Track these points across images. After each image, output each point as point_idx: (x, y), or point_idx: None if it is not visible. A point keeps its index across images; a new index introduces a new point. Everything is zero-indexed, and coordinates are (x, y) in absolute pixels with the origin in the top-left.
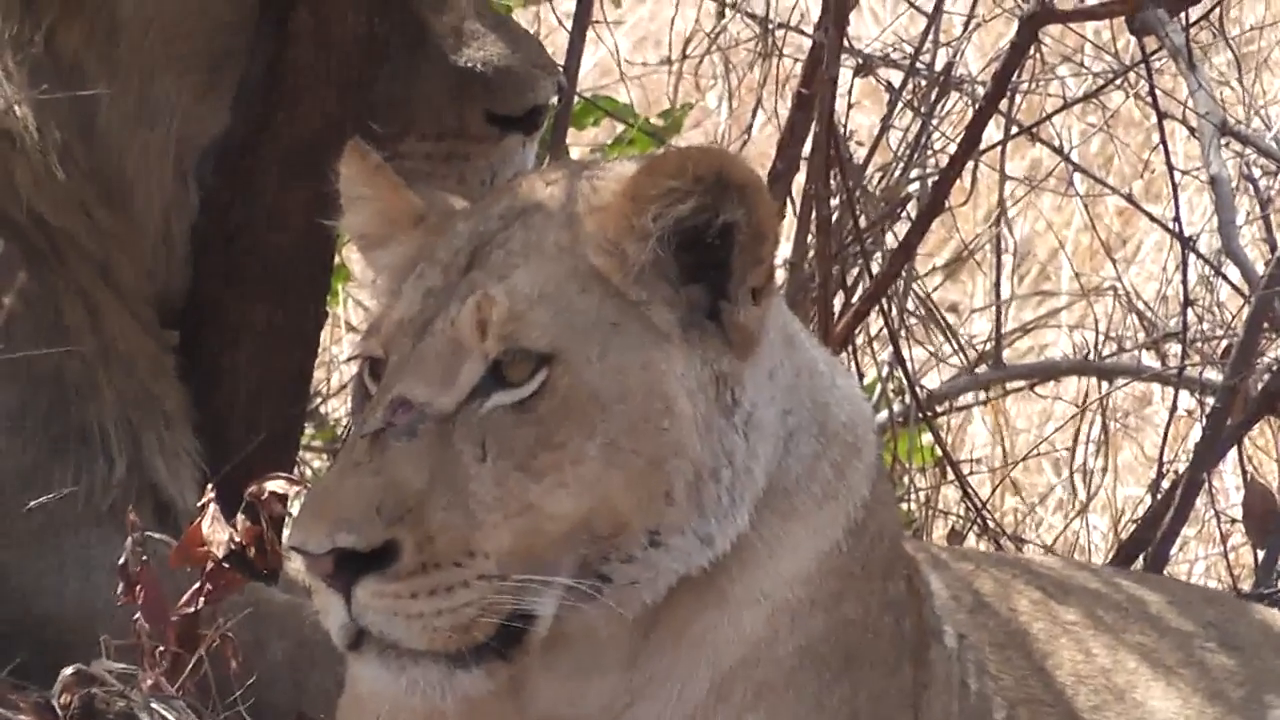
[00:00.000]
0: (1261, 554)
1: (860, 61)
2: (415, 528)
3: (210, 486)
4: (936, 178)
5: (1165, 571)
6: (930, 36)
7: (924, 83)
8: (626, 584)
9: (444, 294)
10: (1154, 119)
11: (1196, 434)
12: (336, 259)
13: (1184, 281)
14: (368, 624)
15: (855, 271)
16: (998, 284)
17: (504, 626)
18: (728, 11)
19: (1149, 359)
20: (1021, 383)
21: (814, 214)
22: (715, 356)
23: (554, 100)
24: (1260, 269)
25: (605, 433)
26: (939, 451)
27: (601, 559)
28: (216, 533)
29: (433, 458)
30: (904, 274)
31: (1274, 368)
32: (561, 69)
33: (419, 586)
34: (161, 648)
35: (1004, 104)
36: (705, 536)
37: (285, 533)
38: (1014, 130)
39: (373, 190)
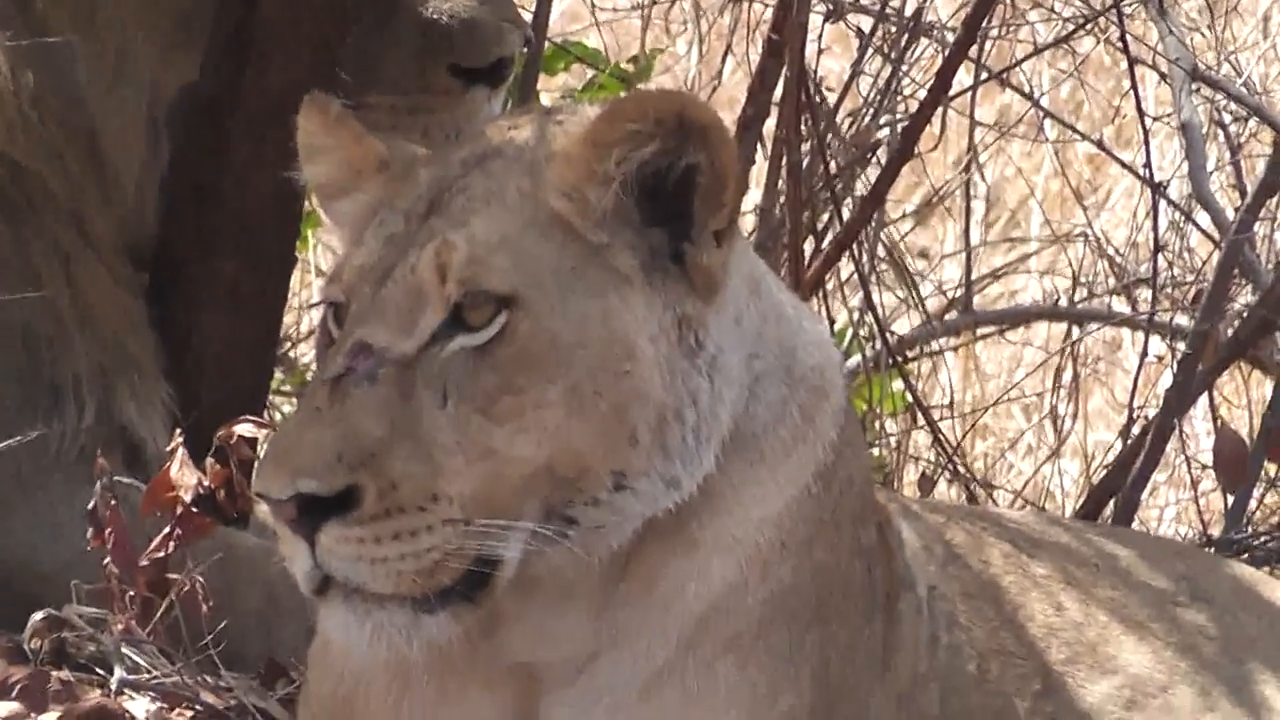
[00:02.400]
0: (1231, 499)
1: (830, 7)
2: (377, 473)
3: (179, 431)
4: (906, 124)
5: (1135, 516)
6: None
7: (894, 28)
8: (592, 528)
9: (404, 240)
10: (1124, 65)
11: (1167, 380)
12: (306, 206)
13: (1154, 227)
14: (332, 569)
15: (826, 217)
16: (967, 230)
17: (469, 571)
18: None
19: (1119, 304)
20: (992, 328)
21: (784, 160)
22: (678, 300)
23: (521, 51)
24: (1230, 214)
25: (566, 376)
26: (909, 397)
27: (566, 502)
28: (185, 477)
29: (393, 402)
30: (874, 220)
31: (1244, 314)
32: (531, 16)
33: (382, 531)
34: (132, 592)
35: (974, 50)
36: (670, 479)
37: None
38: (984, 76)
39: (334, 140)
